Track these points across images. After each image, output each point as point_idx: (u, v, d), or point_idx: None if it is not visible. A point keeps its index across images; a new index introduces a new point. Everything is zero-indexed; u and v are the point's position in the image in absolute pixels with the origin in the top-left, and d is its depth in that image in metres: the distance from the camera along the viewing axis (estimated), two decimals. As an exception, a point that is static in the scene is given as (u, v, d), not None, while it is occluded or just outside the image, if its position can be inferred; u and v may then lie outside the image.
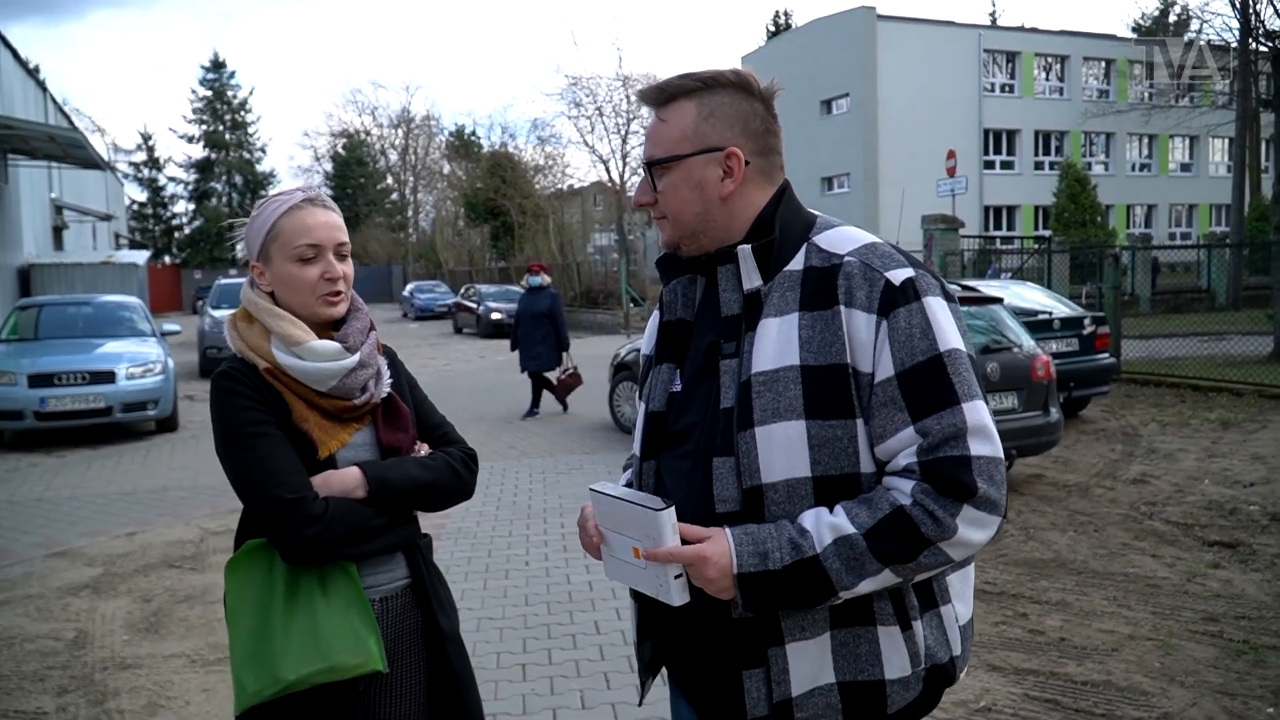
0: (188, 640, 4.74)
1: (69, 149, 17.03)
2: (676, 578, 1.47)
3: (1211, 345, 14.06)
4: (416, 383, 2.16)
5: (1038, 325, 9.53)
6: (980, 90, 39.20)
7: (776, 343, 1.46)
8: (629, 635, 1.46)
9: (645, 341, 1.79)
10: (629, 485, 1.74)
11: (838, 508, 1.44)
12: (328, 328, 1.95)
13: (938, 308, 1.45)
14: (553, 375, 11.75)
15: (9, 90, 18.52)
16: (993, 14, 55.69)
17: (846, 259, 1.48)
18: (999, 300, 7.78)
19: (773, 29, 54.44)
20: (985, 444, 1.41)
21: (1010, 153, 40.24)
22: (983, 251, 21.60)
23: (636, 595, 1.68)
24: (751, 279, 1.51)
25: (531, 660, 4.34)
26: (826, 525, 1.41)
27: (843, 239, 1.53)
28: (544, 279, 11.90)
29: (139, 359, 10.90)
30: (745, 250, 1.51)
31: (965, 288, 8.26)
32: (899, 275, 1.45)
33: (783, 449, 1.43)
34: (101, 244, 31.40)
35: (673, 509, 1.47)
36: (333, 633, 1.78)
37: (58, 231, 23.84)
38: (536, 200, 38.84)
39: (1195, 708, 3.67)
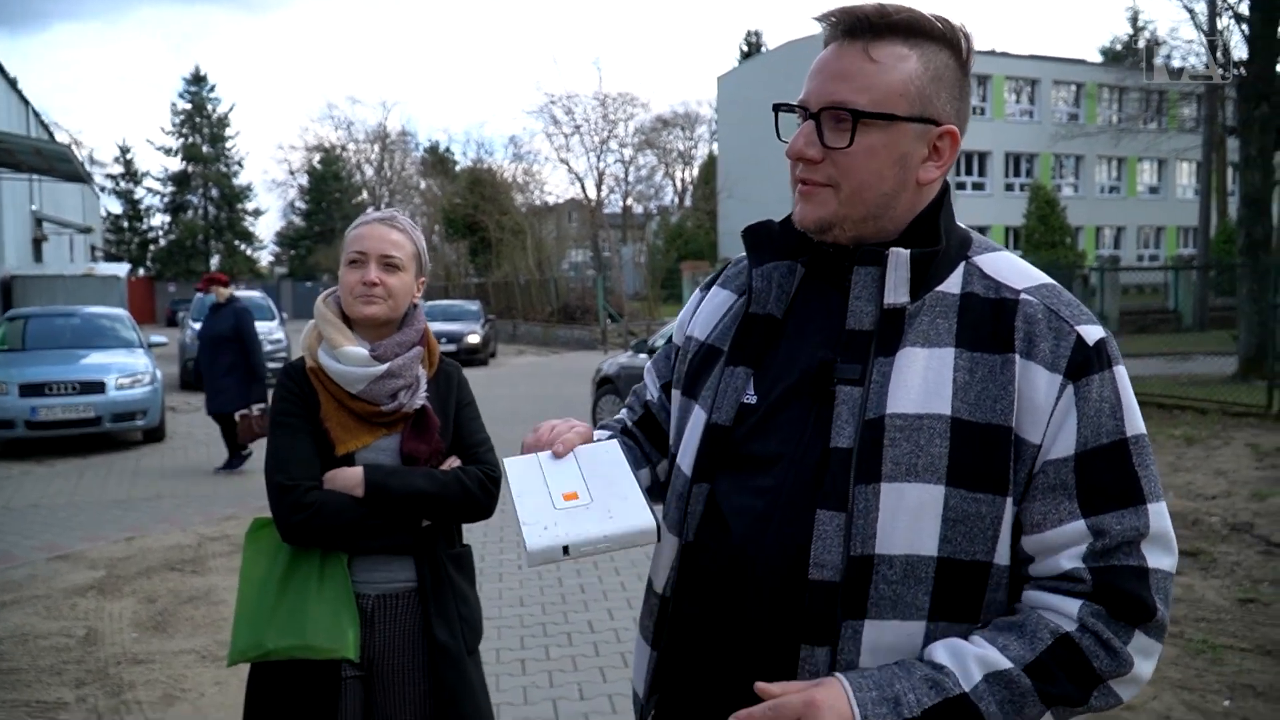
0: (195, 638, 4.94)
1: (54, 162, 17.13)
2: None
3: (1177, 365, 14.51)
4: (472, 401, 2.33)
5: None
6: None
7: (923, 381, 1.15)
8: (636, 685, 1.40)
9: (700, 323, 1.42)
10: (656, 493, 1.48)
11: (975, 637, 1.14)
12: (379, 336, 2.17)
13: (1126, 381, 1.19)
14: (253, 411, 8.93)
15: (-8, 102, 18.58)
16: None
17: (1025, 297, 1.18)
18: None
19: (745, 50, 55.11)
20: (1166, 556, 1.15)
21: (981, 174, 40.92)
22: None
23: (652, 642, 1.37)
24: (898, 292, 1.18)
25: (530, 656, 4.57)
26: (972, 658, 1.11)
27: (1013, 268, 1.23)
28: (222, 292, 9.24)
29: (128, 370, 11.03)
30: (901, 255, 1.18)
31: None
32: (1093, 333, 1.17)
33: (911, 516, 1.12)
34: (79, 256, 31.31)
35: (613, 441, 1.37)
36: (316, 616, 2.01)
37: (37, 244, 23.82)
38: (515, 216, 39.09)
39: (1156, 700, 3.94)
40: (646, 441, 1.54)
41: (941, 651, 1.13)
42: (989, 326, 1.16)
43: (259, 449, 9.28)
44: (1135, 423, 1.17)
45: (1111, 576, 1.12)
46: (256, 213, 61.58)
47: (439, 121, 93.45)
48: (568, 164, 45.83)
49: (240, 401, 8.97)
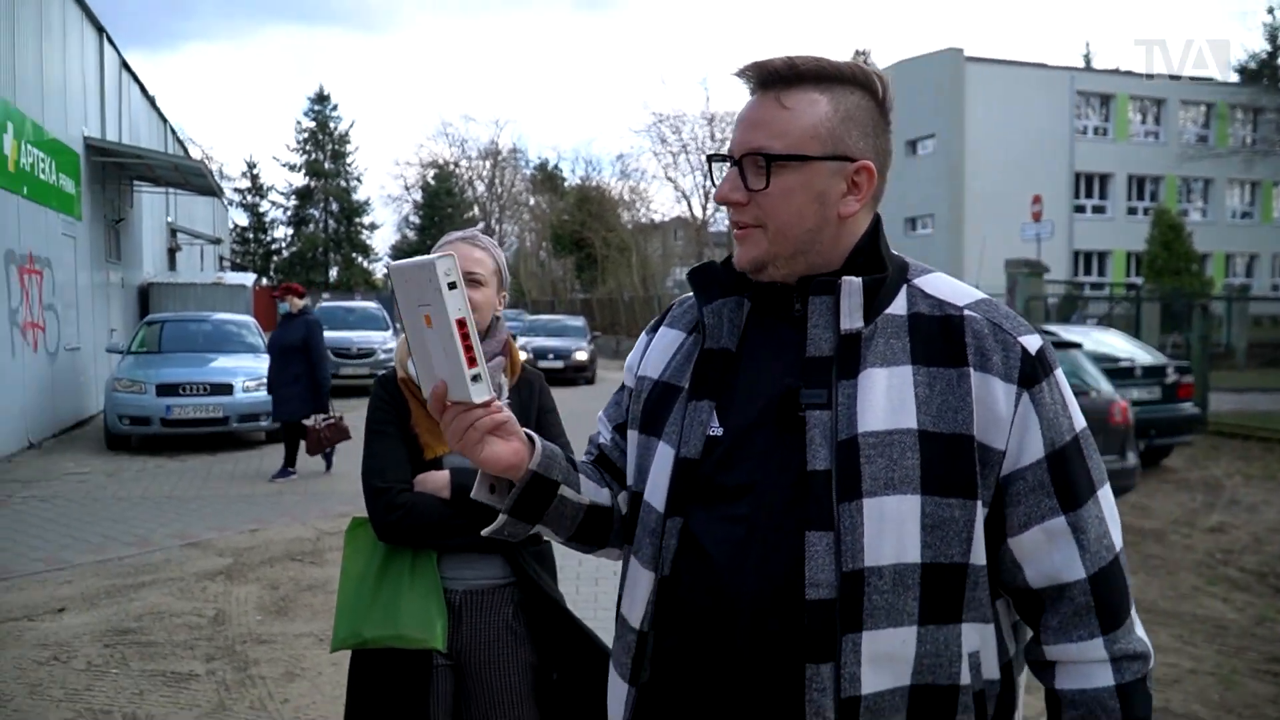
0: (314, 623, 5.28)
1: (190, 177, 18.23)
2: (475, 380, 1.24)
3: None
4: (553, 408, 2.46)
5: (1119, 372, 9.65)
6: (1072, 133, 38.83)
7: (887, 399, 1.21)
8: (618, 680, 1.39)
9: (651, 362, 1.45)
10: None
11: None
12: None
13: (1063, 380, 1.28)
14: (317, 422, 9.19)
15: (137, 122, 19.88)
16: (1087, 55, 55.11)
17: (969, 313, 1.26)
18: (1077, 345, 8.00)
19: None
20: (1118, 529, 1.29)
21: (1102, 197, 39.67)
22: (1069, 298, 21.48)
23: (630, 678, 1.36)
24: (853, 318, 1.24)
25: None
26: None
27: (951, 288, 1.31)
28: (297, 303, 9.43)
29: (254, 374, 11.68)
30: (854, 283, 1.24)
31: (1044, 332, 8.48)
32: (1032, 343, 1.25)
33: (894, 528, 1.18)
34: (208, 266, 33.07)
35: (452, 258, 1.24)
36: (408, 609, 2.19)
37: (172, 253, 25.29)
38: (621, 233, 39.62)
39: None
40: (602, 476, 1.52)
41: None
42: (940, 343, 1.24)
43: (342, 457, 9.73)
44: (1079, 418, 1.28)
45: (1104, 584, 1.24)
46: (373, 226, 63.80)
47: (549, 139, 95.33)
48: (674, 182, 46.40)
49: (305, 410, 9.24)
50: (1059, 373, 1.28)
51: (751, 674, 1.23)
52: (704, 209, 35.29)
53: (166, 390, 11.13)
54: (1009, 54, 36.74)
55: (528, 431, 1.37)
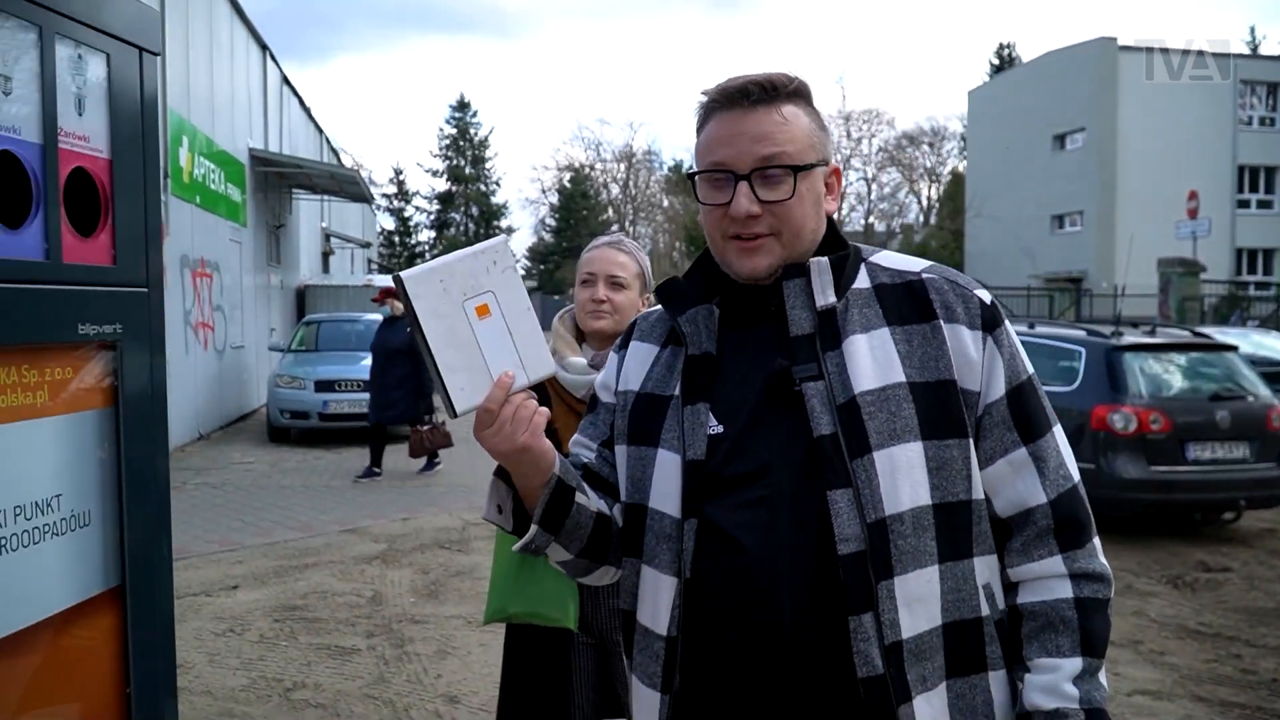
0: (462, 606, 5.60)
1: (345, 185, 19.27)
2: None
3: None
4: None
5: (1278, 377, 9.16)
6: (1235, 124, 36.57)
7: (873, 359, 1.30)
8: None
9: (629, 376, 1.49)
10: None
11: (1038, 663, 1.30)
12: (608, 348, 2.47)
13: (1011, 328, 1.39)
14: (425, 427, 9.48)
15: (295, 133, 21.12)
16: (1252, 43, 51.75)
17: (927, 276, 1.38)
18: (1233, 348, 7.65)
19: (997, 63, 52.91)
20: (1074, 466, 1.38)
21: (1269, 191, 37.20)
22: (1230, 298, 20.31)
23: (661, 687, 1.37)
24: (826, 294, 1.34)
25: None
26: (1063, 683, 1.28)
27: (901, 260, 1.43)
28: (398, 306, 9.25)
29: (403, 371, 12.28)
30: (822, 263, 1.35)
31: (1196, 333, 8.15)
32: (985, 295, 1.38)
33: (905, 474, 1.26)
34: (358, 268, 34.71)
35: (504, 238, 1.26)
36: (545, 590, 2.38)
37: (325, 257, 26.71)
38: (755, 234, 39.49)
39: None
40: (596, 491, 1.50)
41: (1040, 697, 1.28)
42: (908, 304, 1.35)
43: (450, 458, 10.16)
44: (1028, 362, 1.39)
45: (1064, 507, 1.33)
46: (510, 230, 65.48)
47: (683, 141, 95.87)
48: (807, 182, 45.67)
49: (409, 414, 9.38)
50: (1007, 322, 1.39)
51: (798, 643, 1.26)
52: (839, 207, 34.85)
53: (324, 386, 11.85)
54: (1166, 42, 34.74)
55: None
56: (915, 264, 1.41)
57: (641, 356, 1.49)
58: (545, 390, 2.52)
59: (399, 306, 9.17)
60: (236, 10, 15.38)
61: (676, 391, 1.39)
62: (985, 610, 1.31)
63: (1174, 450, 6.97)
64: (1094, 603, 1.32)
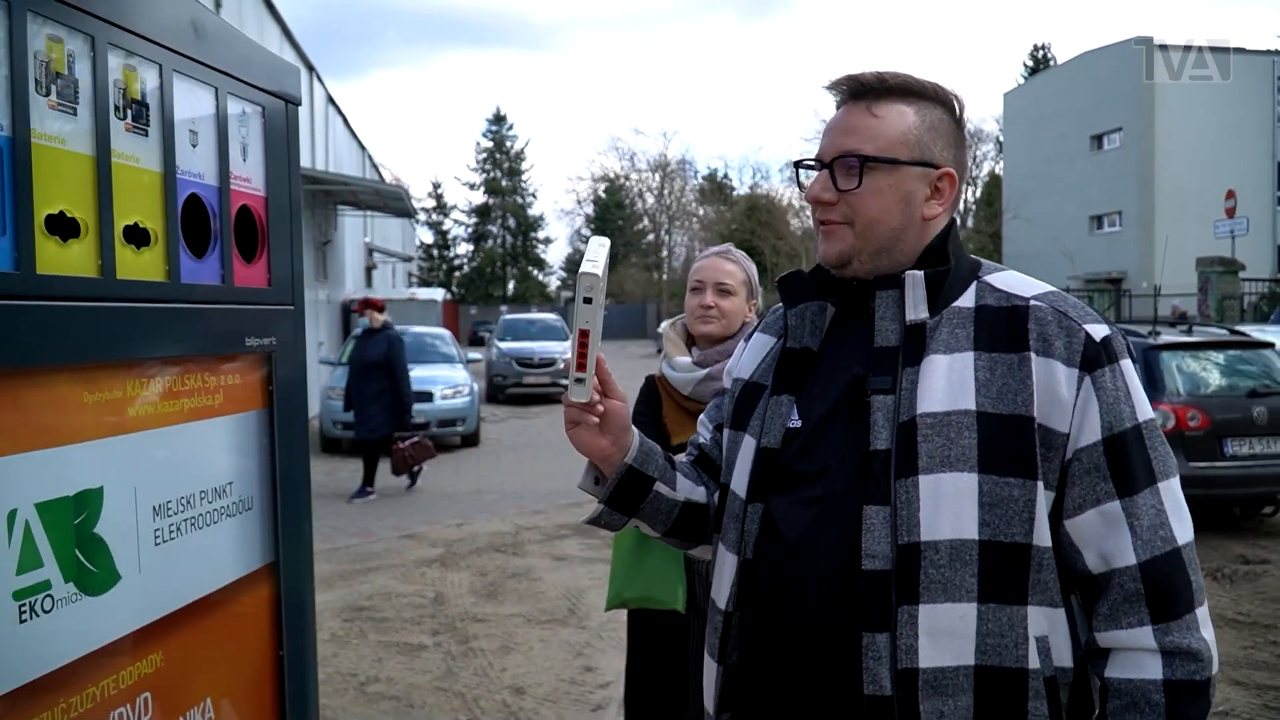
0: (521, 605, 5.84)
1: (389, 201, 19.72)
2: (578, 382, 1.35)
3: None
4: None
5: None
6: (1275, 121, 36.11)
7: (947, 382, 1.27)
8: (707, 703, 1.46)
9: (743, 365, 1.55)
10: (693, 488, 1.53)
11: None
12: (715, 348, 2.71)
13: (1130, 370, 1.30)
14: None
15: (339, 151, 21.62)
16: (1293, 36, 50.82)
17: (1035, 302, 1.31)
18: (1270, 345, 7.73)
19: (1032, 64, 52.60)
20: (1184, 525, 1.27)
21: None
22: (1271, 295, 20.13)
23: (719, 658, 1.42)
24: (918, 309, 1.32)
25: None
26: None
27: (1021, 281, 1.37)
28: (377, 318, 9.29)
29: (451, 382, 12.62)
30: (916, 276, 1.33)
31: (1234, 332, 8.23)
32: (1098, 330, 1.29)
33: (950, 503, 1.23)
34: (399, 282, 35.30)
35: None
36: (655, 576, 2.60)
37: (369, 271, 27.24)
38: (791, 241, 39.62)
39: None
40: (701, 475, 1.59)
41: None
42: (1004, 330, 1.29)
43: (500, 467, 10.35)
44: (1145, 409, 1.29)
45: (1157, 572, 1.23)
46: (547, 241, 66.18)
47: (716, 149, 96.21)
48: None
49: (387, 429, 9.10)
50: (1126, 363, 1.29)
51: (815, 645, 1.29)
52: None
53: (374, 398, 12.16)
54: (1203, 40, 34.32)
55: (637, 431, 1.47)
56: (1031, 289, 1.35)
57: (759, 347, 1.53)
58: (655, 387, 2.75)
59: (378, 319, 9.23)
60: (285, 31, 15.85)
61: (770, 382, 1.44)
62: (1034, 663, 1.24)
63: (1212, 446, 7.10)
64: (1187, 686, 1.21)
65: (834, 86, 1.40)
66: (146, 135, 1.39)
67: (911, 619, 1.22)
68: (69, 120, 1.24)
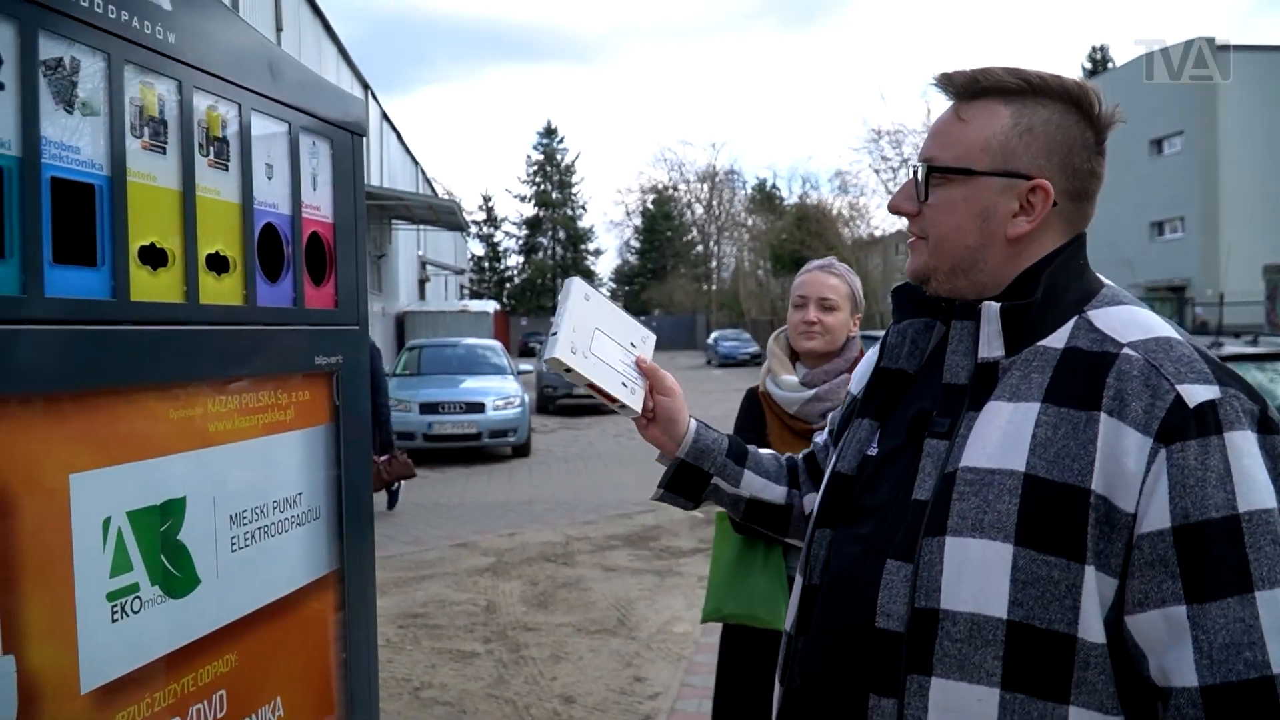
0: (571, 615, 5.92)
1: (442, 215, 20.06)
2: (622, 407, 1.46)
3: None
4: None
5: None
6: (1344, 123, 35.15)
7: (1002, 435, 1.12)
8: None
9: (857, 377, 1.48)
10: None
11: None
12: (819, 366, 2.66)
13: (1245, 447, 1.04)
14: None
15: (394, 166, 22.02)
16: (1363, 37, 49.42)
17: (1126, 351, 1.10)
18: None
19: (1090, 67, 51.82)
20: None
21: None
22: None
23: (780, 678, 1.36)
24: (991, 346, 1.17)
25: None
26: None
27: (1129, 322, 1.15)
28: None
29: (502, 393, 12.80)
30: (992, 309, 1.16)
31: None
32: (1197, 394, 1.05)
33: (976, 573, 1.09)
34: (451, 294, 35.78)
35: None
36: (758, 592, 2.57)
37: (422, 284, 27.68)
38: (841, 250, 39.42)
39: None
40: (804, 473, 1.60)
41: None
42: (1082, 382, 1.10)
43: (550, 477, 10.36)
44: (1253, 497, 1.02)
45: (1224, 702, 0.99)
46: (597, 252, 66.63)
47: (765, 159, 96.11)
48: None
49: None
50: (1237, 436, 1.04)
51: (829, 689, 1.22)
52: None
53: (428, 408, 12.41)
54: (1267, 39, 33.46)
55: (700, 425, 1.53)
56: (1136, 332, 1.13)
57: (872, 360, 1.42)
58: (759, 402, 2.72)
59: None
60: (342, 53, 16.23)
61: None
62: None
63: None
64: None
65: (935, 84, 1.26)
66: (227, 170, 1.50)
67: (921, 690, 1.11)
68: (159, 158, 1.35)
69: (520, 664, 5.09)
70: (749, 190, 60.80)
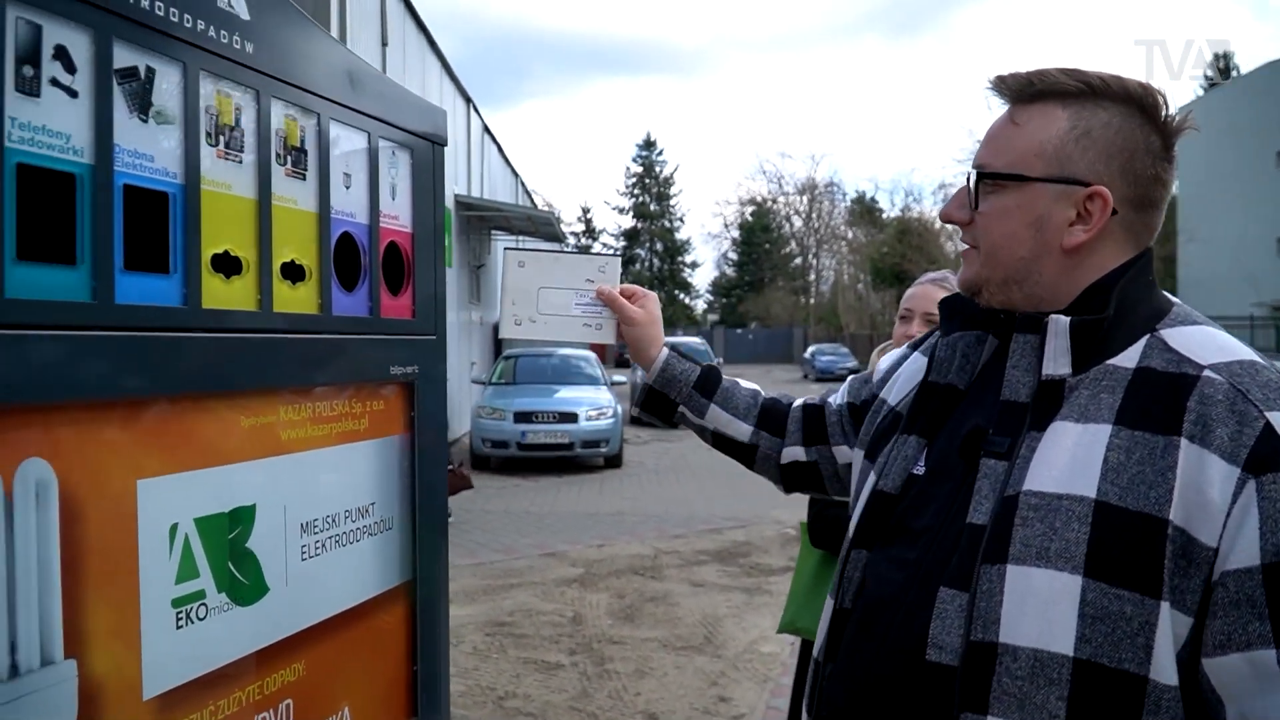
0: (657, 630, 5.87)
1: (540, 226, 20.28)
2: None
3: None
4: None
5: None
6: None
7: (1070, 458, 1.04)
8: None
9: (890, 384, 1.39)
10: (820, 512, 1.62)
11: None
12: None
13: None
14: None
15: (494, 178, 22.41)
16: None
17: (1208, 374, 1.03)
18: None
19: (1211, 75, 49.56)
20: None
21: None
22: None
23: (808, 708, 1.29)
24: (1058, 363, 1.09)
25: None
26: None
27: (1206, 343, 1.08)
28: None
29: (595, 404, 12.86)
30: (1060, 323, 1.09)
31: None
32: None
33: (1040, 606, 1.01)
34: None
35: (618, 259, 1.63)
36: None
37: (520, 293, 28.08)
38: (944, 265, 38.53)
39: None
40: (797, 423, 1.58)
41: None
42: (1159, 404, 1.03)
43: (644, 491, 10.33)
44: None
45: None
46: (694, 265, 66.81)
47: (866, 171, 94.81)
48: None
49: None
50: None
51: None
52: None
53: (522, 418, 12.54)
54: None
55: (675, 351, 1.60)
56: (1214, 354, 1.06)
57: (915, 370, 1.35)
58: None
59: None
60: (445, 67, 16.60)
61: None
62: None
63: None
64: None
65: (990, 88, 1.21)
66: (304, 179, 1.50)
67: None
68: (235, 167, 1.36)
69: (604, 678, 5.06)
70: (849, 202, 60.05)
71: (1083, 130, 1.11)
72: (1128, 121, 1.11)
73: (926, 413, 1.23)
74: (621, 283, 1.61)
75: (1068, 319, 1.09)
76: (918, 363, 1.35)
